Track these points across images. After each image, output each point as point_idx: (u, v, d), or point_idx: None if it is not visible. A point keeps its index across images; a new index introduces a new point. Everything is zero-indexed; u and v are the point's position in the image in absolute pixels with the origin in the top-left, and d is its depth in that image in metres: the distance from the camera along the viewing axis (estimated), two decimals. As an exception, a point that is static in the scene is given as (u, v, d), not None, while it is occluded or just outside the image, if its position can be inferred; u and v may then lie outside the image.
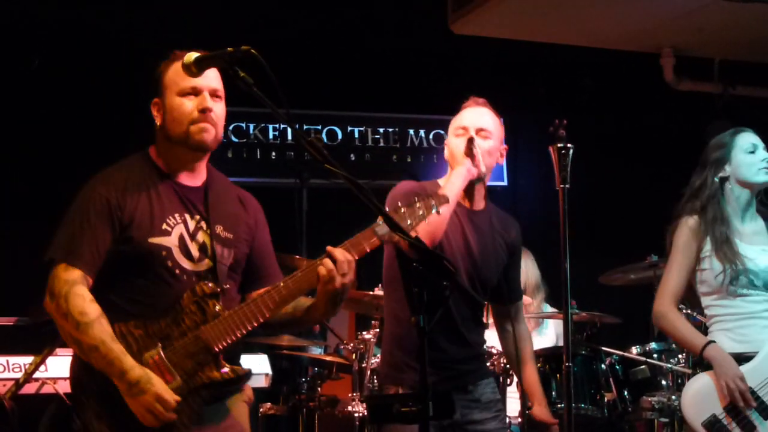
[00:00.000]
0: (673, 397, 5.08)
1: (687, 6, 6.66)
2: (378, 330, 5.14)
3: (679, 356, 5.25)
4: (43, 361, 4.61)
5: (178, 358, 2.94)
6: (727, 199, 4.11)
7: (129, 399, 2.87)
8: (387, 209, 2.94)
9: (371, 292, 5.23)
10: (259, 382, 6.08)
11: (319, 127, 7.61)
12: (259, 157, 7.48)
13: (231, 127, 7.42)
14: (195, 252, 3.05)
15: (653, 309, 4.08)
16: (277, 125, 7.48)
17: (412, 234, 2.87)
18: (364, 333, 5.17)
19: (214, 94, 3.09)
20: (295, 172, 6.78)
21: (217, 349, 2.95)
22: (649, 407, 5.14)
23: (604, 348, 5.38)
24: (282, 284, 2.98)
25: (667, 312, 4.03)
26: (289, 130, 7.40)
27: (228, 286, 3.08)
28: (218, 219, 3.12)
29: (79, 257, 2.96)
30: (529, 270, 6.37)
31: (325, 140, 7.51)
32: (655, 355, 5.37)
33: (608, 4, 6.64)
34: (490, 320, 4.17)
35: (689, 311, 5.31)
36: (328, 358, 5.56)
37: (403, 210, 2.98)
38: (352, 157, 7.58)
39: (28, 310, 5.12)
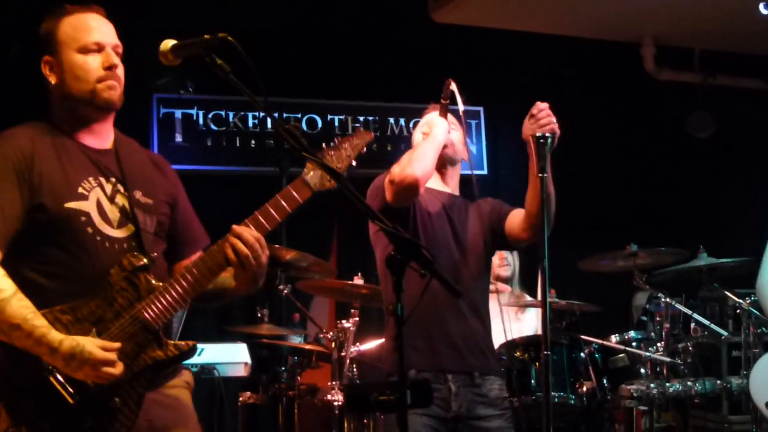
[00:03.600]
0: (652, 385, 5.10)
1: (667, -5, 6.69)
2: (357, 319, 5.13)
3: (658, 344, 5.28)
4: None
5: (117, 341, 2.66)
6: None
7: (70, 373, 2.61)
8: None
9: (350, 282, 5.23)
10: (239, 371, 6.09)
11: (299, 115, 7.59)
12: (238, 145, 7.46)
13: (210, 115, 7.40)
14: (115, 216, 2.81)
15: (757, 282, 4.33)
16: (257, 113, 7.45)
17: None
18: (343, 322, 5.15)
19: (116, 51, 2.91)
20: (275, 160, 6.76)
21: (157, 327, 2.72)
22: (628, 395, 5.16)
23: (583, 336, 5.39)
24: (194, 269, 2.77)
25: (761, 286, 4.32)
26: (269, 118, 7.37)
27: (155, 254, 2.86)
28: (136, 183, 2.88)
29: None
30: (515, 261, 6.39)
31: (305, 128, 7.49)
32: (634, 344, 5.40)
33: (589, -7, 6.66)
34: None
35: (668, 299, 5.34)
36: (308, 347, 5.55)
37: (331, 153, 2.98)
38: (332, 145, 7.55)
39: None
